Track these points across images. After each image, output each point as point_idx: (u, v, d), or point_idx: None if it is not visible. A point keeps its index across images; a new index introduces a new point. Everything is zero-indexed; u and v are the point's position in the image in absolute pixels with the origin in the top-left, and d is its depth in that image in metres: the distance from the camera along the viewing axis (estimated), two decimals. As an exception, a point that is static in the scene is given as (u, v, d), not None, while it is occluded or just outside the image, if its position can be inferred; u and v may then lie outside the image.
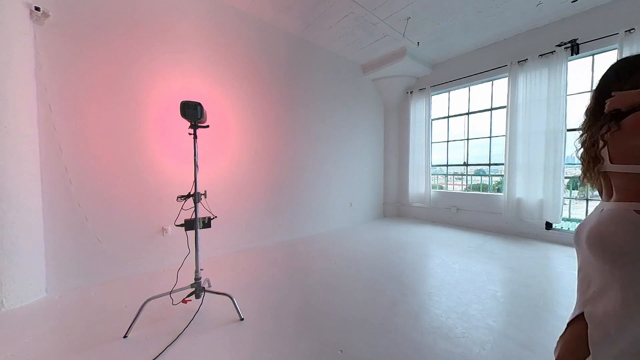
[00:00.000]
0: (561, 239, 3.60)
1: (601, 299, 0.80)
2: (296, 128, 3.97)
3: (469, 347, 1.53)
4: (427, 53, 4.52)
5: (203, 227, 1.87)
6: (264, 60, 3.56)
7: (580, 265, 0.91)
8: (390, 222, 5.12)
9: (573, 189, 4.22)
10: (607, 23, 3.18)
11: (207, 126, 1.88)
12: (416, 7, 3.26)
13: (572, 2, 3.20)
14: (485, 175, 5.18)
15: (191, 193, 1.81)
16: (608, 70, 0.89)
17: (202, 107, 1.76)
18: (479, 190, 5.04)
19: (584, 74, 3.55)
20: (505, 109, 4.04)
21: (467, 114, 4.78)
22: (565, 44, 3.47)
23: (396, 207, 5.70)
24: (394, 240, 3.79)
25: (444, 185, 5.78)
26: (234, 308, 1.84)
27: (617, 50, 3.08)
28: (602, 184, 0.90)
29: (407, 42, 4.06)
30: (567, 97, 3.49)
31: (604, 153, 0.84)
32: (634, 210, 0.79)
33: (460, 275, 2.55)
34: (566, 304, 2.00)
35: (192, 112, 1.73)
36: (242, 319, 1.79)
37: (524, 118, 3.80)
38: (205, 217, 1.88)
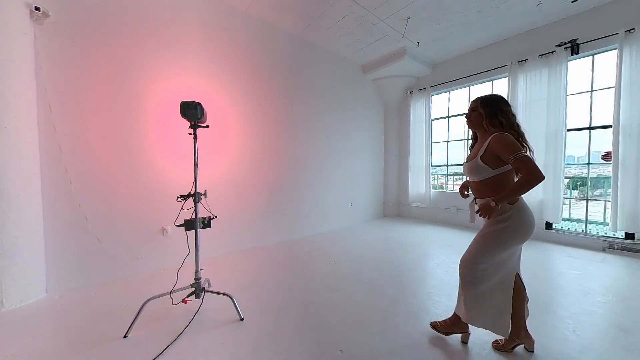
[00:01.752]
0: (561, 239, 3.60)
1: None
2: (296, 128, 3.97)
3: (469, 347, 1.53)
4: (427, 53, 4.52)
5: (203, 227, 1.87)
6: (264, 60, 3.56)
7: None
8: (390, 222, 5.12)
9: (573, 189, 4.22)
10: (607, 23, 3.18)
11: (207, 126, 1.87)
12: (416, 7, 3.26)
13: (572, 2, 3.20)
14: (485, 175, 5.17)
15: (191, 193, 1.81)
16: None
17: (202, 107, 1.76)
18: (479, 190, 5.03)
19: (584, 74, 3.55)
20: (505, 109, 4.03)
21: (467, 114, 4.77)
22: (565, 44, 3.47)
23: (396, 207, 5.70)
24: (394, 240, 3.79)
25: (444, 185, 5.78)
26: (234, 308, 1.84)
27: (617, 50, 3.08)
28: None
29: (407, 42, 4.06)
30: (567, 97, 3.49)
31: None
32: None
33: (460, 275, 2.55)
34: (566, 304, 2.00)
35: (192, 112, 1.73)
36: (242, 319, 1.79)
37: (524, 118, 3.80)
38: (205, 217, 1.88)
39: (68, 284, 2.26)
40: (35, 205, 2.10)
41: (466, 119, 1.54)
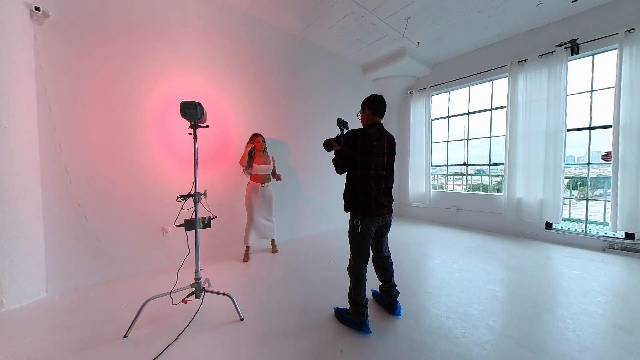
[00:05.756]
0: (561, 239, 3.60)
1: None
2: (296, 128, 3.97)
3: (469, 347, 1.53)
4: (427, 53, 4.52)
5: (203, 227, 1.86)
6: (264, 60, 3.56)
7: None
8: (390, 222, 5.11)
9: (573, 189, 4.22)
10: (607, 23, 3.18)
11: (207, 126, 1.87)
12: (416, 7, 3.26)
13: (572, 2, 3.20)
14: (485, 175, 5.18)
15: (191, 193, 1.81)
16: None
17: (202, 107, 1.76)
18: (479, 190, 5.04)
19: (584, 74, 3.55)
20: (505, 109, 4.04)
21: (467, 114, 4.78)
22: (565, 44, 3.47)
23: (396, 207, 5.69)
24: (394, 240, 3.78)
25: (444, 185, 5.78)
26: (234, 308, 1.84)
27: (617, 50, 3.08)
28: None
29: (407, 42, 4.06)
30: (567, 97, 3.49)
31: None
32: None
33: (460, 275, 2.55)
34: (566, 304, 2.00)
35: (192, 112, 1.73)
36: (242, 319, 1.79)
37: (524, 118, 3.80)
38: (205, 217, 1.88)
39: (68, 284, 2.26)
40: (35, 205, 2.10)
41: (259, 143, 2.96)
